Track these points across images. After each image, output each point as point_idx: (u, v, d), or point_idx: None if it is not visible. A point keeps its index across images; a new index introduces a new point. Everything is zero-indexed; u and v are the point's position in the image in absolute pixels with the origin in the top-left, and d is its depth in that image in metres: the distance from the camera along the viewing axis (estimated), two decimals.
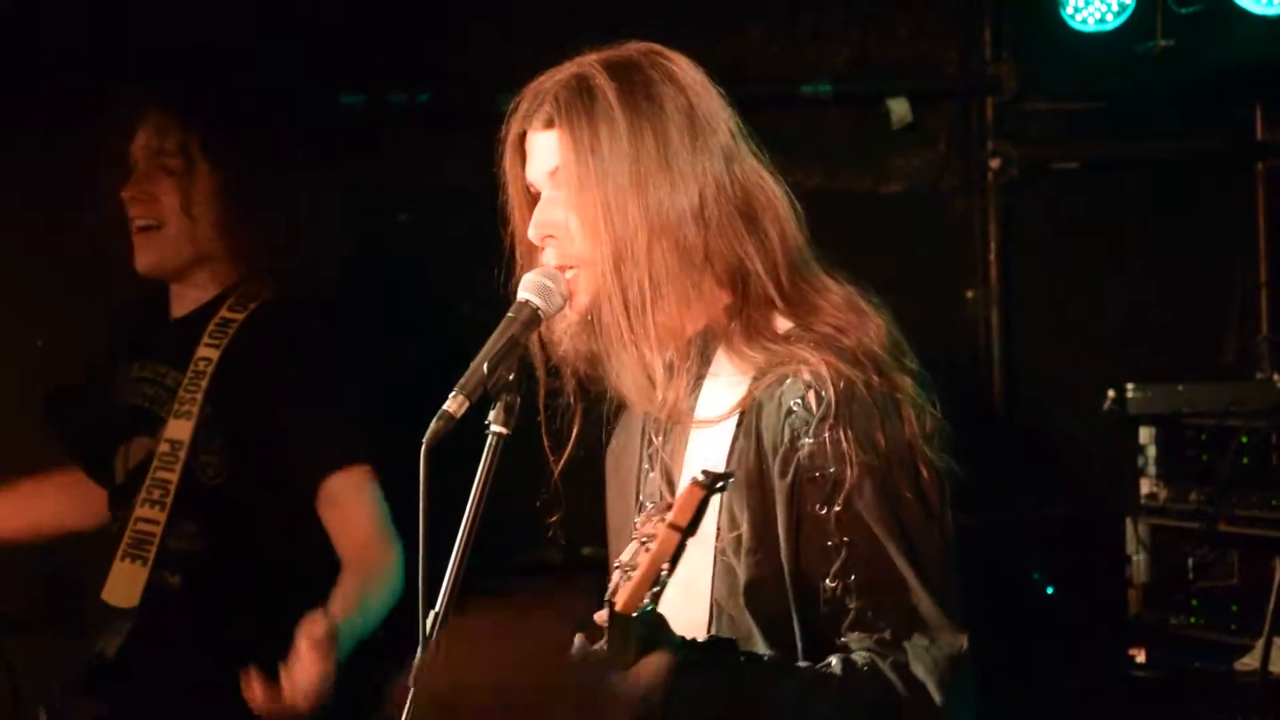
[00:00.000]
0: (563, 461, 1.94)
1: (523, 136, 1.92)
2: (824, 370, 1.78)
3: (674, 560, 1.62)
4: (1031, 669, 4.03)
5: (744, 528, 1.81)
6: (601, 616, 1.69)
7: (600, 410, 1.96)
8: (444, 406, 1.71)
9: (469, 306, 3.55)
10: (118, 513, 2.82)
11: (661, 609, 1.87)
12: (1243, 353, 4.52)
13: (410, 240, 3.99)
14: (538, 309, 1.83)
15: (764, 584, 1.80)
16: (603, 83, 1.85)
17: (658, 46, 1.93)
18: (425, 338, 3.61)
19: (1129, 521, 4.20)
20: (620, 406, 1.99)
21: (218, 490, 2.71)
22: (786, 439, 1.78)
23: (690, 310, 1.85)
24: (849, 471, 1.75)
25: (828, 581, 1.75)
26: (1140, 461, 4.19)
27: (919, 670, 1.71)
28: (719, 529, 1.83)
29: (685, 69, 1.91)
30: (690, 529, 1.62)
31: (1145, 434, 4.19)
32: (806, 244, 1.91)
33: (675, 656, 1.67)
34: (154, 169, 2.76)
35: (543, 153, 1.88)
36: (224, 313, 2.76)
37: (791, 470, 1.78)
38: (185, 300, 2.82)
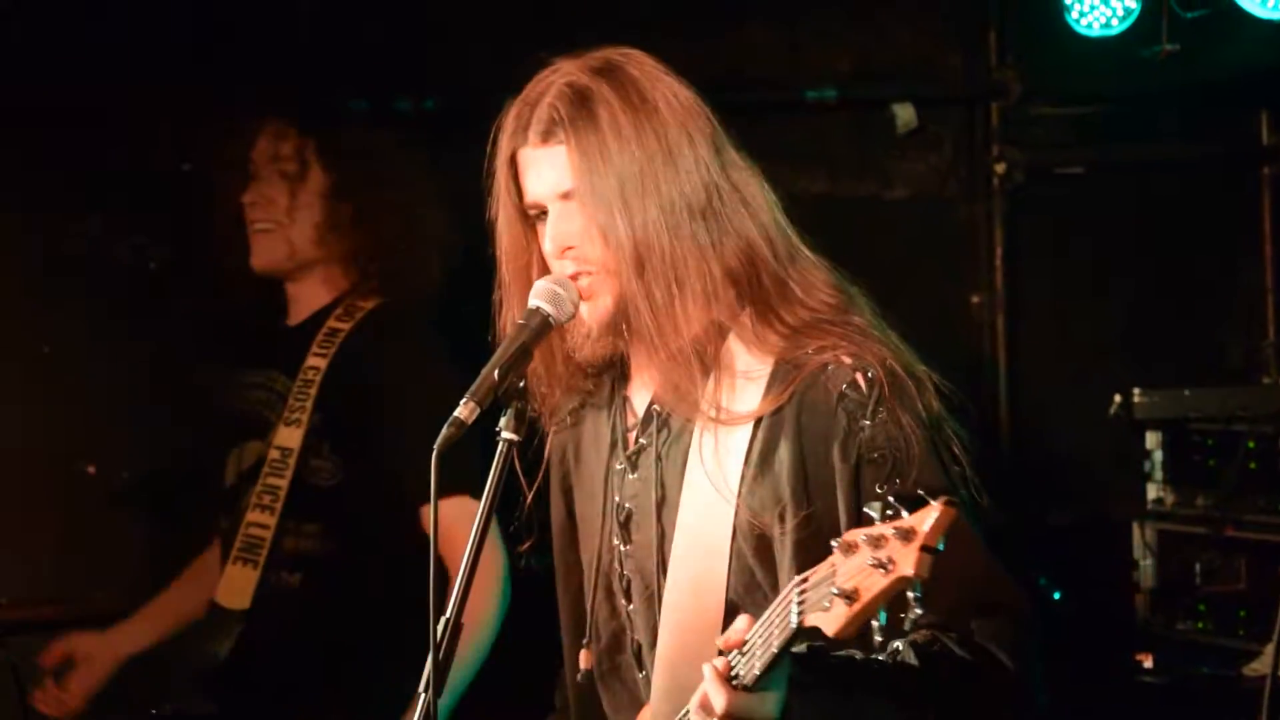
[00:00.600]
0: (534, 487, 1.97)
1: (513, 155, 1.91)
2: (865, 354, 1.82)
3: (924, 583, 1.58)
4: (1041, 676, 4.01)
5: (790, 519, 1.82)
6: (731, 640, 1.67)
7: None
8: (455, 413, 1.72)
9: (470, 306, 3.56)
10: (226, 516, 2.90)
11: (672, 608, 1.88)
12: (1249, 357, 4.52)
13: None
14: (549, 316, 1.83)
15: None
16: (597, 89, 1.85)
17: (625, 48, 1.94)
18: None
19: (1136, 526, 4.19)
20: (575, 410, 2.00)
21: (332, 493, 2.78)
22: (844, 423, 1.81)
23: (709, 304, 1.86)
24: (908, 448, 1.78)
25: None
26: (1146, 466, 4.19)
27: (986, 641, 1.74)
28: (735, 530, 1.83)
29: (657, 65, 1.92)
30: (938, 550, 1.57)
31: (1151, 439, 4.19)
32: (790, 226, 1.93)
33: (787, 683, 1.68)
34: (272, 174, 2.86)
35: (549, 169, 1.87)
36: (332, 322, 2.85)
37: (854, 453, 1.80)
38: (299, 307, 2.91)
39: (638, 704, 2.00)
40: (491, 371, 1.75)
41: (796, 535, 1.82)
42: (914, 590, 1.54)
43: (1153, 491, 4.19)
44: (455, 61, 4.00)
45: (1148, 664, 4.02)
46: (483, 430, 1.78)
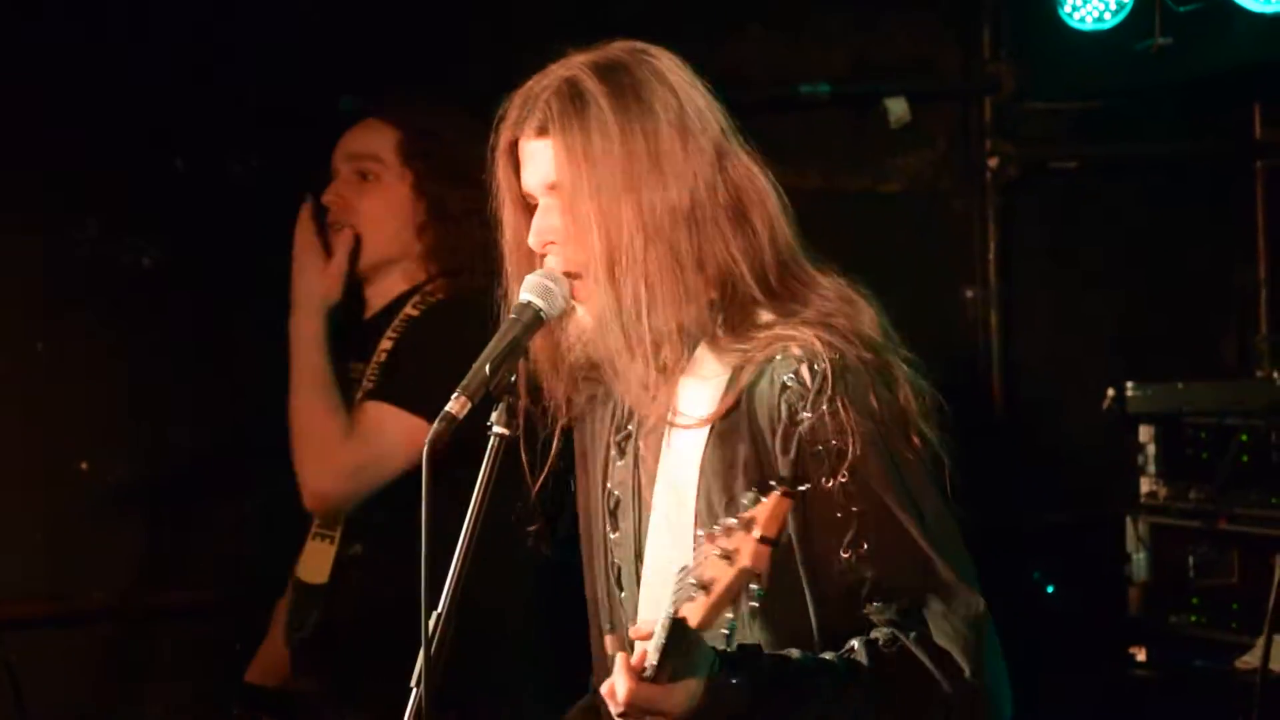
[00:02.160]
0: (542, 476, 1.96)
1: (514, 144, 1.92)
2: (815, 344, 1.79)
3: (765, 576, 1.60)
4: (1032, 667, 4.02)
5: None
6: (641, 631, 1.68)
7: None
8: (446, 408, 1.72)
9: None
10: None
11: (648, 595, 1.89)
12: (1242, 352, 4.53)
13: None
14: (539, 310, 1.84)
15: (777, 570, 1.79)
16: (592, 86, 1.85)
17: (643, 44, 1.94)
18: None
19: (1129, 520, 4.20)
20: (589, 401, 2.01)
21: None
22: (784, 415, 1.79)
23: (682, 309, 1.85)
24: (851, 441, 1.76)
25: (842, 553, 1.76)
26: (1140, 460, 4.20)
27: (942, 640, 1.72)
28: (695, 520, 1.84)
29: (672, 67, 1.91)
30: (778, 541, 1.60)
31: (1145, 433, 4.20)
32: (797, 239, 1.91)
33: (706, 679, 1.67)
34: (352, 174, 2.89)
35: (538, 161, 1.88)
36: (407, 310, 2.89)
37: (794, 446, 1.78)
38: (378, 298, 2.95)
39: None
40: (482, 366, 1.76)
41: None
42: (757, 584, 1.56)
43: (1146, 485, 4.19)
44: (450, 60, 4.00)
45: (1141, 657, 4.03)
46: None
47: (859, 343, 1.81)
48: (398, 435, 2.75)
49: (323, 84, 3.91)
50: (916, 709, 1.72)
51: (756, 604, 1.60)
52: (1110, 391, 4.22)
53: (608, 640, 1.89)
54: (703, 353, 1.87)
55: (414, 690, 1.72)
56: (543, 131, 1.87)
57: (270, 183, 3.91)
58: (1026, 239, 4.46)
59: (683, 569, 1.62)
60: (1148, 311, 4.49)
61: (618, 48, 1.92)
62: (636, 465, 1.94)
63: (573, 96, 1.86)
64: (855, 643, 1.74)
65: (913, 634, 1.72)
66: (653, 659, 1.64)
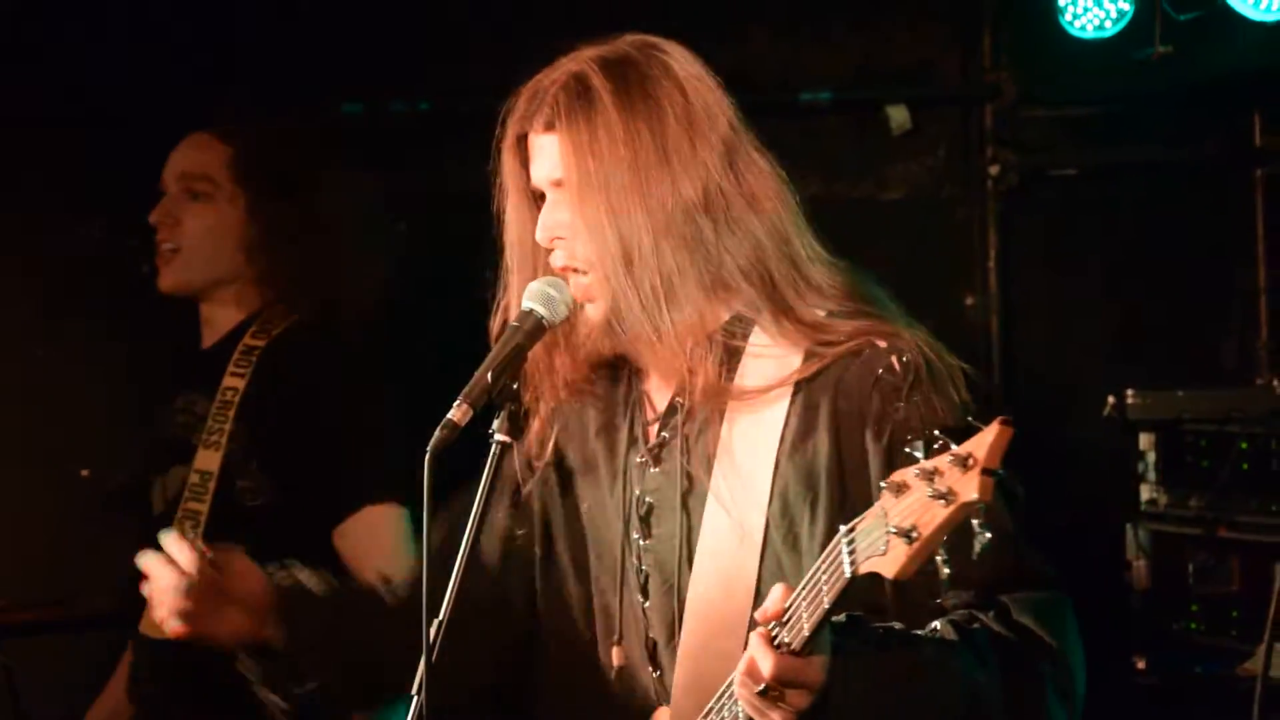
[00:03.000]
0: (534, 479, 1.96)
1: (522, 138, 1.91)
2: (900, 342, 1.82)
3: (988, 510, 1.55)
4: None
5: (823, 503, 1.81)
6: (769, 611, 1.64)
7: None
8: (448, 415, 1.71)
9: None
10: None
11: (697, 600, 1.87)
12: (1242, 358, 4.52)
13: (409, 248, 3.99)
14: (542, 318, 1.83)
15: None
16: (599, 83, 1.85)
17: (653, 39, 1.94)
18: (433, 346, 3.62)
19: (1129, 527, 4.20)
20: (579, 411, 1.99)
21: (258, 512, 2.72)
22: (877, 404, 1.81)
23: (714, 300, 1.85)
24: (942, 431, 1.75)
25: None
26: (1140, 467, 4.19)
27: (1024, 618, 1.73)
28: (768, 518, 1.83)
29: (682, 61, 1.91)
30: (1001, 473, 1.56)
31: (1145, 440, 4.19)
32: (808, 228, 1.93)
33: (831, 646, 1.66)
34: (181, 193, 2.78)
35: (546, 156, 1.88)
36: (248, 340, 2.78)
37: (888, 433, 1.80)
38: (213, 328, 2.84)
39: (648, 704, 1.98)
40: (485, 373, 1.75)
41: (829, 521, 1.81)
42: (979, 519, 1.51)
43: (1146, 492, 4.19)
44: (451, 65, 4.01)
45: (1141, 665, 4.03)
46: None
47: (922, 337, 1.86)
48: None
49: (320, 91, 3.92)
50: (1012, 678, 1.71)
51: (990, 535, 1.55)
52: (1111, 399, 4.21)
53: (614, 651, 1.88)
54: (760, 336, 1.88)
55: (415, 698, 1.71)
56: (550, 127, 1.88)
57: None
58: (1027, 246, 4.46)
59: (849, 529, 1.58)
60: (1148, 318, 4.49)
61: (627, 42, 1.93)
62: (684, 465, 1.92)
63: (579, 93, 1.86)
64: (936, 624, 1.74)
65: (991, 612, 1.73)
66: (806, 628, 1.61)
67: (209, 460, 2.72)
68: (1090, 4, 4.04)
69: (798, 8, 4.30)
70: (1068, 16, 4.05)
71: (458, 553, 1.73)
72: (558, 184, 1.86)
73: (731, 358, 1.87)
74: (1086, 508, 4.34)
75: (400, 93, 3.96)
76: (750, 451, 1.85)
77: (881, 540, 1.55)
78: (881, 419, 1.80)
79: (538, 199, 1.92)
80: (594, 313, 1.86)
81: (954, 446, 1.53)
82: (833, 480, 1.82)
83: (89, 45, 3.70)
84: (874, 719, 1.66)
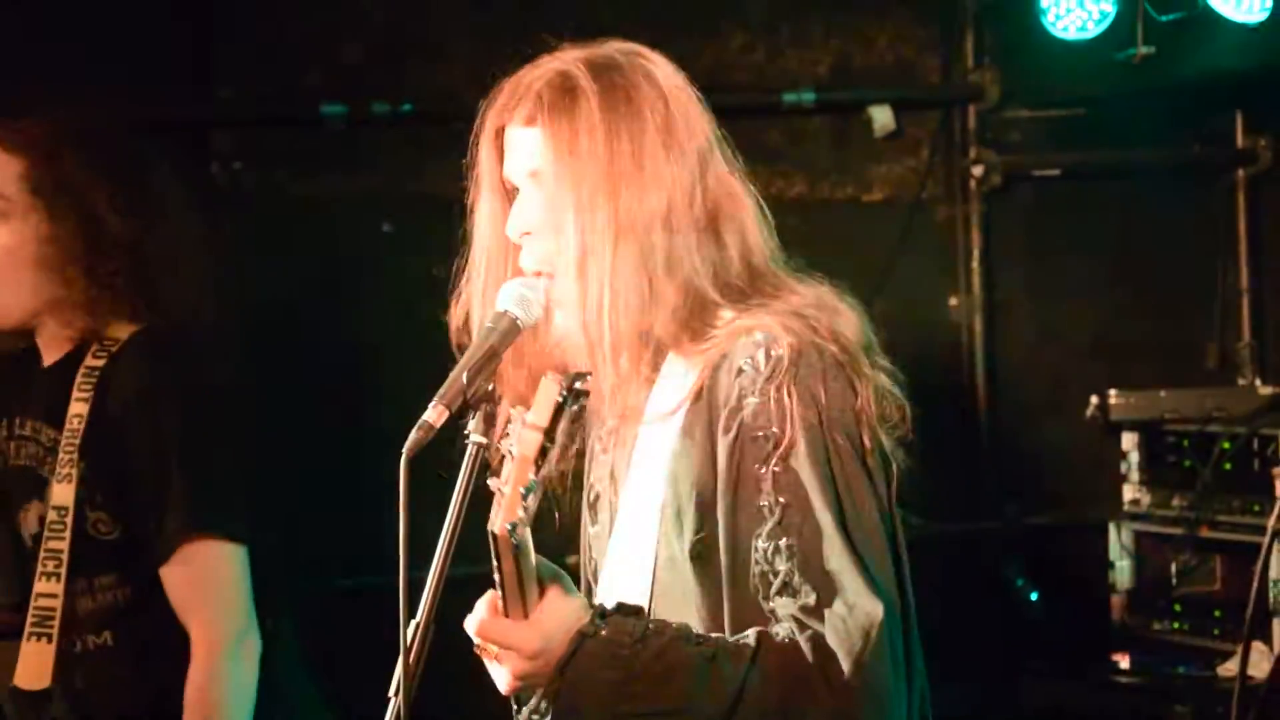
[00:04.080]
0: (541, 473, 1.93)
1: (500, 131, 1.91)
2: (775, 329, 1.77)
3: (539, 463, 1.64)
4: (1015, 674, 4.04)
5: (692, 497, 1.80)
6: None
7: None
8: (424, 416, 1.70)
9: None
10: (29, 587, 2.59)
11: (606, 582, 1.87)
12: (1224, 359, 4.54)
13: (394, 248, 3.99)
14: (516, 319, 1.82)
15: (708, 552, 1.78)
16: (585, 84, 1.84)
17: (640, 47, 1.93)
18: (412, 346, 3.61)
19: (1112, 527, 4.21)
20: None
21: (115, 546, 2.53)
22: (734, 397, 1.77)
23: (646, 315, 1.83)
24: (790, 430, 1.74)
25: (760, 543, 1.74)
26: (1123, 468, 4.20)
27: (832, 641, 1.69)
28: (663, 505, 1.82)
29: (667, 72, 1.90)
30: (550, 430, 1.64)
31: (1128, 440, 4.20)
32: (775, 251, 1.90)
33: (584, 619, 1.69)
34: None
35: (524, 150, 1.87)
36: (90, 360, 2.55)
37: (735, 427, 1.76)
38: (52, 348, 2.61)
39: None
40: (459, 375, 1.74)
41: (695, 512, 1.80)
42: (533, 474, 1.63)
43: (1129, 493, 4.20)
44: (434, 67, 4.00)
45: (1124, 664, 4.04)
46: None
47: (828, 336, 1.79)
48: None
49: (306, 92, 3.91)
50: (786, 700, 1.68)
51: (530, 495, 1.61)
52: (1094, 399, 4.22)
53: None
54: (674, 359, 1.86)
55: (392, 700, 1.70)
56: (531, 120, 1.86)
57: (251, 183, 3.92)
58: (1010, 246, 4.47)
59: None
60: (1131, 318, 4.50)
61: (613, 47, 1.91)
62: (614, 461, 1.93)
63: (565, 90, 1.85)
64: (751, 632, 1.72)
65: (808, 632, 1.70)
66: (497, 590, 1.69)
67: (64, 495, 2.51)
68: (1073, 5, 4.04)
69: (780, 9, 4.30)
70: (1050, 17, 4.06)
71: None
72: (534, 175, 1.86)
73: (643, 379, 1.86)
74: (1069, 507, 4.35)
75: (382, 94, 3.95)
76: (650, 451, 1.85)
77: (496, 497, 1.64)
78: (732, 411, 1.76)
79: (510, 195, 1.90)
80: (562, 319, 1.85)
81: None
82: (704, 466, 1.80)
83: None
84: (611, 700, 1.68)
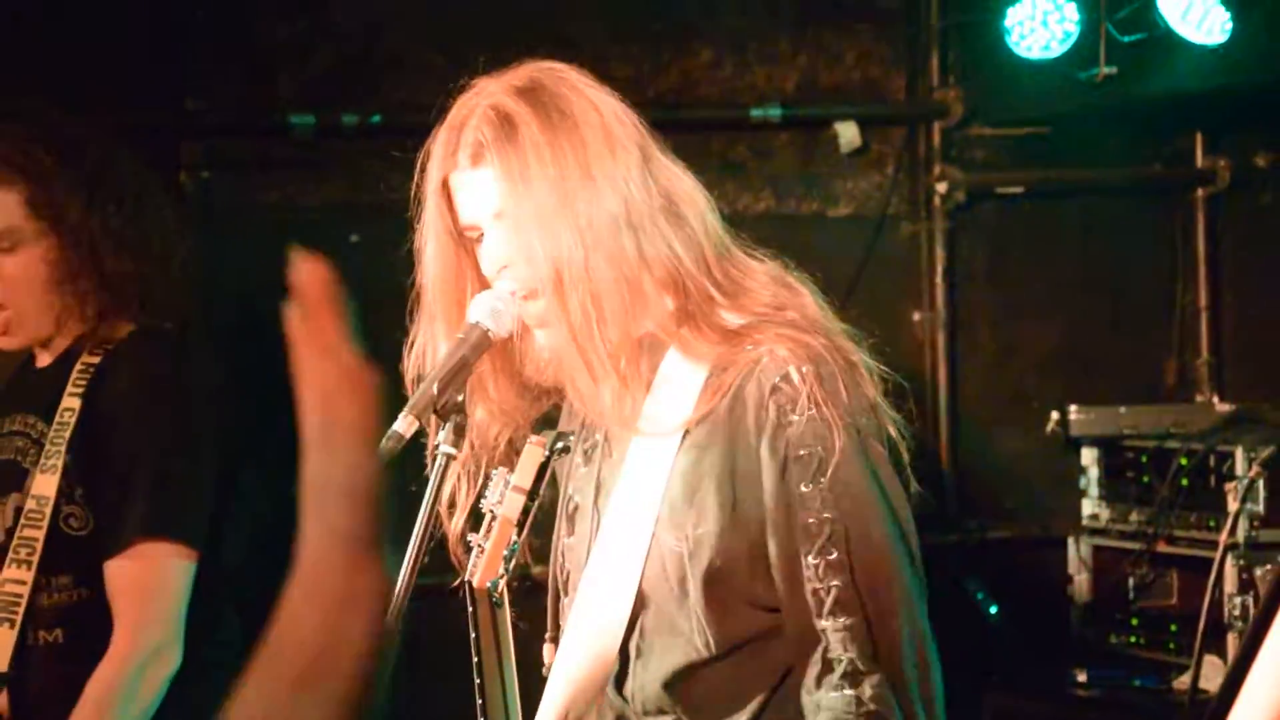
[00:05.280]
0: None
1: (445, 181, 1.90)
2: (799, 349, 1.80)
3: (521, 525, 1.66)
4: (975, 686, 4.05)
5: (713, 513, 1.81)
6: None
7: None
8: (394, 427, 1.71)
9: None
10: None
11: (583, 591, 1.88)
12: (1182, 376, 4.57)
13: (361, 258, 3.98)
14: (487, 331, 1.83)
15: (734, 569, 1.80)
16: (518, 110, 1.85)
17: (550, 63, 1.94)
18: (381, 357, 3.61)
19: (1071, 541, 4.23)
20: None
21: (84, 542, 2.54)
22: (774, 417, 1.79)
23: (634, 317, 1.85)
24: (834, 445, 1.77)
25: (811, 559, 1.76)
26: (1082, 483, 4.23)
27: (890, 668, 1.75)
28: (659, 519, 1.83)
29: (583, 80, 1.91)
30: (534, 492, 1.66)
31: (1087, 455, 4.23)
32: (725, 230, 1.92)
33: None
34: None
35: (479, 193, 1.87)
36: (85, 357, 2.59)
37: (782, 449, 1.79)
38: (48, 348, 2.66)
39: None
40: (430, 386, 1.75)
41: (717, 525, 1.81)
42: (516, 536, 1.68)
43: (1088, 507, 4.22)
44: (401, 79, 4.01)
45: (1081, 677, 4.05)
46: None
47: (822, 335, 1.83)
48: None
49: (275, 102, 3.91)
50: None
51: (513, 557, 1.64)
52: (1054, 415, 4.25)
53: (547, 649, 1.88)
54: (675, 356, 1.87)
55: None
56: (478, 160, 1.86)
57: (219, 193, 3.91)
58: (973, 262, 4.49)
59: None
60: (1091, 335, 4.53)
61: (528, 69, 1.92)
62: (601, 466, 1.93)
63: (502, 123, 1.85)
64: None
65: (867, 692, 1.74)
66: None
67: (46, 485, 2.53)
68: (1037, 25, 4.06)
69: (748, 26, 4.31)
70: (1014, 37, 4.08)
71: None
72: (498, 215, 1.86)
73: (640, 383, 1.88)
74: (1029, 522, 4.37)
75: (351, 106, 3.95)
76: (650, 459, 1.85)
77: (476, 553, 1.68)
78: (776, 431, 1.79)
79: (463, 241, 1.91)
80: (547, 339, 1.86)
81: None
82: (723, 488, 1.81)
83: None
84: None
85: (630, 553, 1.84)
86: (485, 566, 1.65)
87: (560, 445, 1.78)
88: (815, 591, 1.76)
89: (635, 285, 1.83)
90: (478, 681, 1.81)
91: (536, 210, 1.83)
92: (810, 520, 1.76)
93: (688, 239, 1.86)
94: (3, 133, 2.60)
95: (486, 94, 1.88)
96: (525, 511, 1.66)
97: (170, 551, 2.49)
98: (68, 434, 2.55)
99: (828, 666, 1.76)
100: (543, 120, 1.85)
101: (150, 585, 2.49)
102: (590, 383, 1.83)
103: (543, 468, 1.69)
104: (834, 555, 1.75)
